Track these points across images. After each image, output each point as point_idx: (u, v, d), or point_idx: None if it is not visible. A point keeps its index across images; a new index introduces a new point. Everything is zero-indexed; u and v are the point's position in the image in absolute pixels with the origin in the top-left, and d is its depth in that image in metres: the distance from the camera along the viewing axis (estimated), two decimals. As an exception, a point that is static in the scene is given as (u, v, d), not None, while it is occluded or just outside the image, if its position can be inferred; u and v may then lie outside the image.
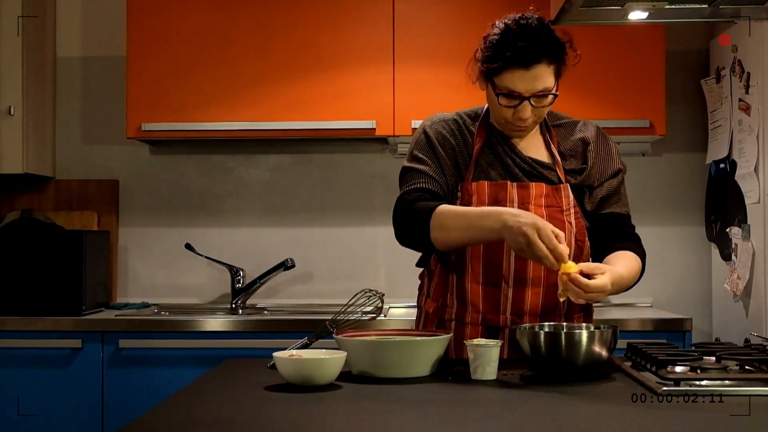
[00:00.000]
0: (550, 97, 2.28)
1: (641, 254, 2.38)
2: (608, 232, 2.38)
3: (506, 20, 2.28)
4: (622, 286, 2.26)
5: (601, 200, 2.39)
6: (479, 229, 2.18)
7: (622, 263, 2.28)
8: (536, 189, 2.32)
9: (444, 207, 2.24)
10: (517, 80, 2.23)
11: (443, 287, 2.38)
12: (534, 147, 2.39)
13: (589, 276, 2.11)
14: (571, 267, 2.09)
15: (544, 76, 2.23)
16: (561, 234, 2.09)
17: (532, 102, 2.25)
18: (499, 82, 2.26)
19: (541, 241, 2.05)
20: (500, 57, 2.23)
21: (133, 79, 3.72)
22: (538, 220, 2.09)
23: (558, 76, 2.28)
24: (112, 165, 4.10)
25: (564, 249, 2.07)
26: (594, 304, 2.50)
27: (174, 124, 3.72)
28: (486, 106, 2.41)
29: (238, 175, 4.08)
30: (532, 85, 2.23)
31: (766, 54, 3.24)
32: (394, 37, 3.69)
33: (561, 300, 2.17)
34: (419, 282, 2.52)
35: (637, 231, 2.45)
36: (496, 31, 2.28)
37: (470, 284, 2.31)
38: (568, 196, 2.34)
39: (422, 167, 2.34)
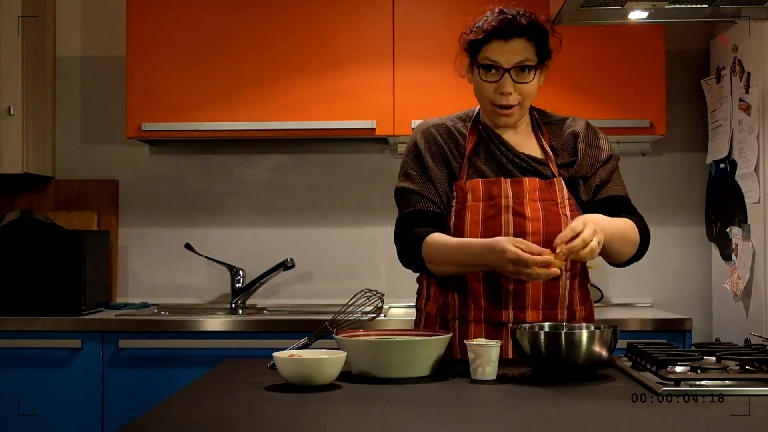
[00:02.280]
0: (532, 73, 2.33)
1: (642, 225, 2.39)
2: (608, 214, 2.36)
3: (490, 9, 2.39)
4: (618, 231, 2.29)
5: (596, 188, 2.42)
6: (471, 266, 2.27)
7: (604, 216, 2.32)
8: (530, 184, 2.35)
9: (431, 239, 2.30)
10: (497, 52, 2.32)
11: (444, 288, 2.39)
12: (526, 144, 2.42)
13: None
14: (559, 256, 2.13)
15: (523, 49, 2.32)
16: (530, 245, 2.14)
17: (513, 76, 2.31)
18: (481, 57, 2.34)
19: (525, 265, 2.10)
20: (481, 31, 2.33)
21: (133, 79, 3.72)
22: (509, 253, 2.11)
23: (541, 60, 2.35)
24: (112, 165, 4.09)
25: (545, 257, 2.11)
26: (595, 304, 2.52)
27: (174, 124, 3.72)
28: (477, 108, 2.46)
29: (238, 175, 4.08)
30: (511, 57, 2.31)
31: (766, 54, 3.24)
32: (394, 37, 3.69)
33: (567, 272, 2.29)
34: (417, 285, 2.53)
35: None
36: (480, 18, 2.38)
37: (471, 282, 2.33)
38: (561, 190, 2.37)
39: (413, 186, 2.39)
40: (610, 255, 2.33)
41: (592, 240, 2.13)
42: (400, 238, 2.39)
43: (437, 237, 2.31)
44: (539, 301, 2.31)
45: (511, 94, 2.33)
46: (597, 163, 2.42)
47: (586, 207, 2.40)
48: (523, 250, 2.12)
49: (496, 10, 2.35)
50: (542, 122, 2.46)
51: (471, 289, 2.33)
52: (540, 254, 2.12)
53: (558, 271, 2.12)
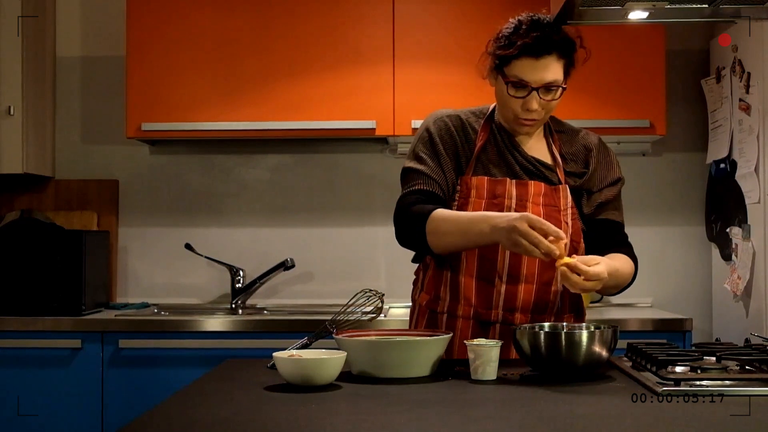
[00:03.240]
0: (559, 91, 2.32)
1: (633, 260, 2.42)
2: (602, 237, 2.42)
3: (519, 17, 2.34)
4: (618, 280, 2.31)
5: (598, 206, 2.42)
6: (471, 233, 2.23)
7: (617, 260, 2.33)
8: (535, 188, 2.34)
9: (439, 211, 2.28)
10: (527, 70, 2.28)
11: (437, 280, 2.39)
12: (536, 148, 2.42)
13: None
14: (569, 259, 2.12)
15: (553, 69, 2.29)
16: (551, 226, 2.11)
17: (540, 94, 2.29)
18: (509, 72, 2.30)
19: (540, 228, 2.09)
20: (512, 46, 2.28)
21: (133, 79, 3.72)
22: (527, 213, 2.13)
23: (567, 73, 2.34)
24: (111, 165, 4.09)
25: (557, 230, 2.09)
26: (587, 305, 2.53)
27: (174, 124, 3.72)
28: (492, 106, 2.44)
29: (238, 175, 4.08)
30: (541, 76, 2.28)
31: (766, 54, 3.24)
32: (394, 37, 3.69)
33: (559, 287, 2.26)
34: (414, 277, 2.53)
35: (637, 231, 2.48)
36: (510, 25, 2.34)
37: (464, 278, 2.33)
38: (566, 197, 2.36)
39: (422, 167, 2.37)
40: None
41: (593, 283, 2.15)
42: (402, 213, 2.34)
43: (446, 211, 2.29)
44: (530, 304, 2.31)
45: (536, 110, 2.32)
46: (606, 181, 2.43)
47: (585, 220, 2.41)
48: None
49: (527, 22, 2.30)
50: (555, 129, 2.46)
51: (463, 285, 2.33)
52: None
53: (557, 252, 2.09)
